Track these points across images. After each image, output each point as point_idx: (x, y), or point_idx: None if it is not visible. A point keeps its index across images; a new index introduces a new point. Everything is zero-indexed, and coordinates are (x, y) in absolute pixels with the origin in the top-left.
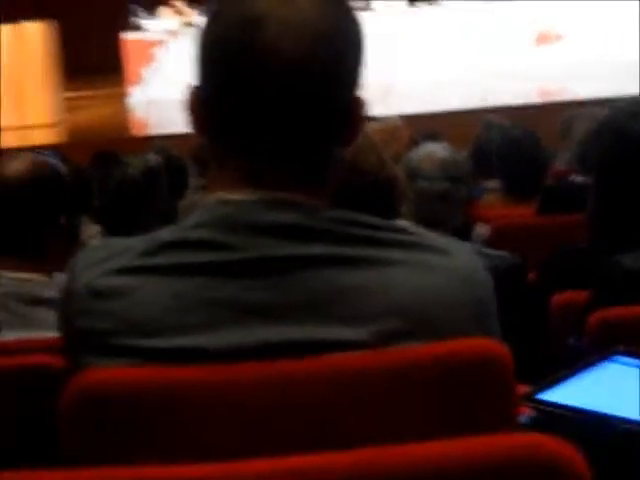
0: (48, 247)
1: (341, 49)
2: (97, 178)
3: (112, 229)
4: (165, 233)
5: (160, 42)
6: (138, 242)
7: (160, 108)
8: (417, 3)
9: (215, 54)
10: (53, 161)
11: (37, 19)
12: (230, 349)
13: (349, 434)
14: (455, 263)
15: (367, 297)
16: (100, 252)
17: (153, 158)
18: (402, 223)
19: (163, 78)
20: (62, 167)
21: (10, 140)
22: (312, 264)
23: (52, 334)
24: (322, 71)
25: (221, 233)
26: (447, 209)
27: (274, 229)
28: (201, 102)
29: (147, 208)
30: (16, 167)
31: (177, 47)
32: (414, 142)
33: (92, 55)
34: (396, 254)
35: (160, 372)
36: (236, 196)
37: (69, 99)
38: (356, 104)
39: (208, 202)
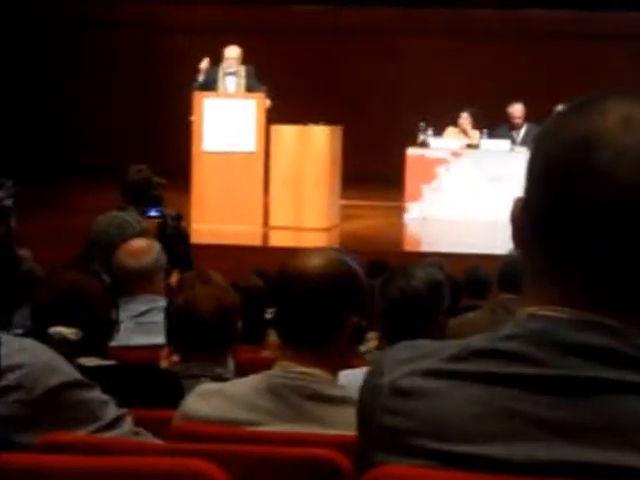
0: (333, 344)
1: None
2: (377, 285)
3: (391, 336)
4: (475, 341)
5: (443, 161)
6: (446, 346)
7: (434, 226)
8: None
9: (548, 170)
10: (351, 260)
11: (325, 123)
12: (525, 463)
13: None
14: None
15: None
16: (407, 352)
17: (438, 273)
18: None
19: (442, 197)
20: (359, 267)
21: (282, 239)
22: (619, 390)
23: (330, 431)
24: None
25: (531, 347)
26: None
27: (584, 350)
28: (527, 215)
29: (427, 320)
30: (319, 261)
31: (458, 168)
32: None
33: (373, 166)
34: None
35: (460, 477)
36: (548, 312)
37: (345, 206)
38: None
39: (520, 316)
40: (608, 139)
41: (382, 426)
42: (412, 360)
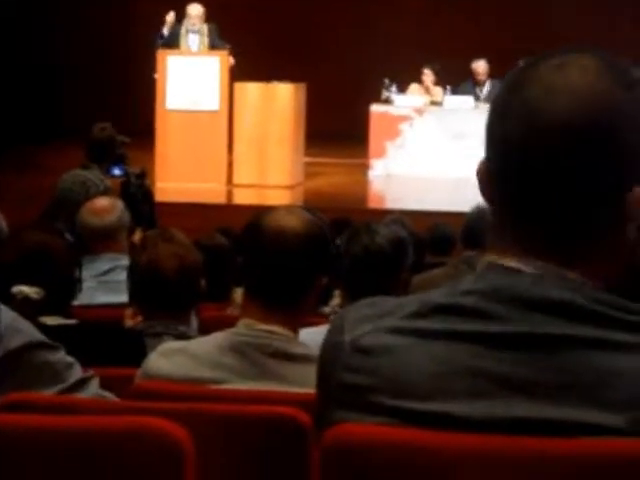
0: (302, 304)
1: (618, 126)
2: (342, 243)
3: (354, 294)
4: (436, 296)
5: (407, 118)
6: (407, 303)
7: (398, 183)
8: None
9: (501, 128)
10: (322, 222)
11: (289, 81)
12: (485, 420)
13: None
14: None
15: (628, 383)
16: (369, 309)
17: (401, 230)
18: None
19: (406, 154)
20: (328, 229)
21: (246, 197)
22: (579, 345)
23: (292, 389)
24: (598, 150)
25: (492, 303)
26: None
27: (546, 305)
28: (490, 174)
29: (391, 278)
30: (296, 221)
31: (422, 125)
32: None
33: (337, 123)
34: None
35: (420, 435)
36: (509, 263)
37: (309, 163)
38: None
39: (480, 266)
40: (539, 78)
41: (342, 383)
42: (374, 317)
